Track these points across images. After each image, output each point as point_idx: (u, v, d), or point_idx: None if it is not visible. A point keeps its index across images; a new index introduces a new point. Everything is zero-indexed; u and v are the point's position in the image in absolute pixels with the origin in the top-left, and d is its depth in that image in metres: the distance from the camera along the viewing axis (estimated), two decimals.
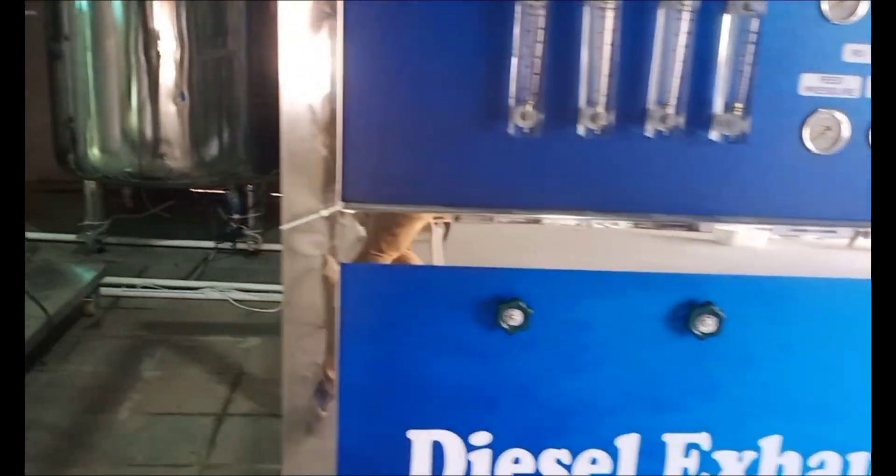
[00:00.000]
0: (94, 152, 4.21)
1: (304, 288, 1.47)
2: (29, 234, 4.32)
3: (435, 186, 1.49)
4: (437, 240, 1.46)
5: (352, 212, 1.44)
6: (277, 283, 3.96)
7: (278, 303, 3.88)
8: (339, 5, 1.36)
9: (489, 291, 1.50)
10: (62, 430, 2.71)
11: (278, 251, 4.07)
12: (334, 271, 1.48)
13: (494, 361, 1.53)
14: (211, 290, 3.92)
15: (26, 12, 4.00)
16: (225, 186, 4.44)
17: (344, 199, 1.46)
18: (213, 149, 4.24)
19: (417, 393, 1.56)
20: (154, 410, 2.88)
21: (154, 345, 3.39)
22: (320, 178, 1.41)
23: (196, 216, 4.78)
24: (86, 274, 3.57)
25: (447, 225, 1.51)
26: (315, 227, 1.43)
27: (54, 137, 4.32)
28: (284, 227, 1.42)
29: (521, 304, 1.49)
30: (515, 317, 1.48)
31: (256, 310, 3.78)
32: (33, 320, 3.04)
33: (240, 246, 4.48)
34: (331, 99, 1.39)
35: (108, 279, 3.71)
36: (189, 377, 3.16)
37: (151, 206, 4.85)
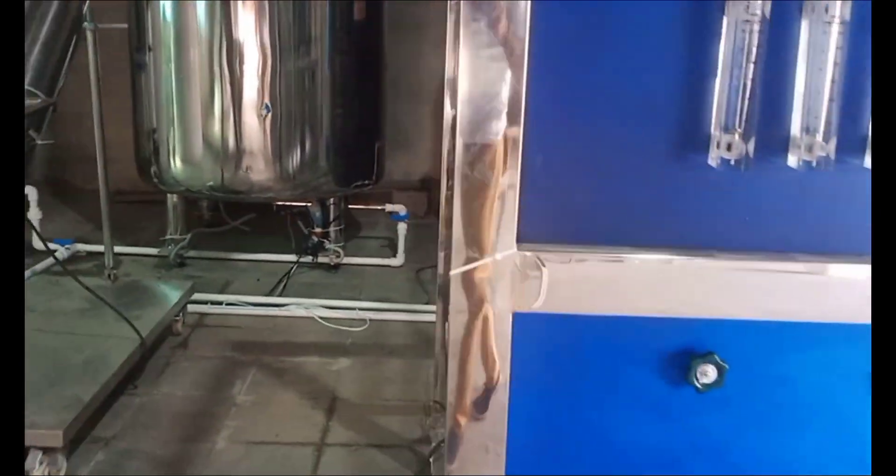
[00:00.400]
0: (177, 164, 4.14)
1: (472, 336, 1.33)
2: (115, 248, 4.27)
3: (620, 224, 1.34)
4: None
5: (528, 254, 1.30)
6: (360, 298, 3.82)
7: (364, 321, 3.81)
8: (524, 30, 1.22)
9: (678, 344, 1.35)
10: (161, 460, 2.61)
11: (358, 265, 3.93)
12: (505, 320, 1.34)
13: (681, 420, 1.37)
14: (296, 307, 3.82)
15: (116, 25, 3.98)
16: (307, 199, 4.34)
17: (520, 240, 1.32)
18: (295, 161, 4.14)
19: (593, 451, 1.41)
20: (251, 439, 2.77)
21: (244, 366, 3.29)
22: (496, 216, 1.27)
23: (276, 229, 4.70)
24: (173, 292, 3.49)
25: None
26: (487, 269, 1.29)
27: (136, 149, 4.26)
28: (456, 271, 1.28)
29: (716, 359, 1.33)
30: (709, 373, 1.32)
31: (343, 327, 3.67)
32: (126, 343, 2.95)
33: (320, 260, 4.38)
34: (512, 131, 1.25)
35: (193, 295, 3.63)
36: (283, 402, 3.05)
37: (228, 219, 4.78)
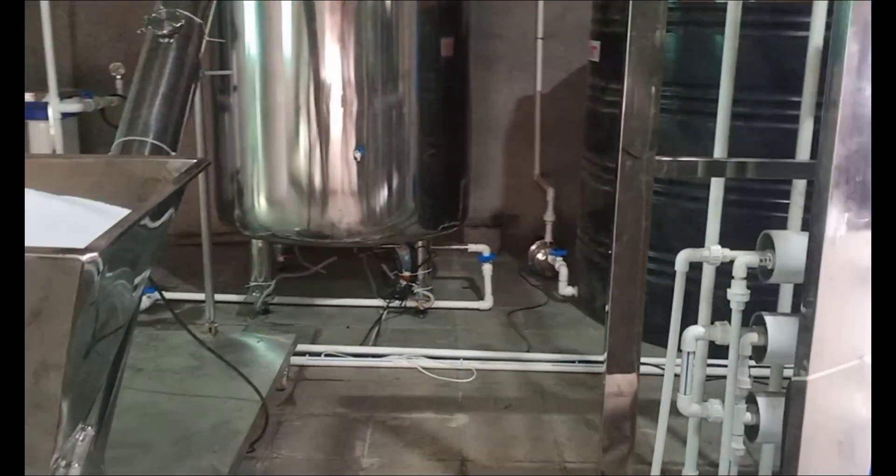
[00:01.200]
0: (262, 207, 3.98)
1: (819, 450, 1.15)
2: (192, 295, 4.10)
3: None
4: None
5: None
6: (458, 346, 3.63)
7: (470, 371, 3.64)
8: None
9: None
10: None
11: (446, 309, 3.74)
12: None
13: None
14: (398, 358, 3.64)
15: (222, 71, 3.85)
16: (392, 242, 4.18)
17: None
18: (384, 203, 3.98)
19: None
20: None
21: (359, 424, 3.11)
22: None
23: (355, 273, 4.53)
24: (278, 346, 3.31)
25: None
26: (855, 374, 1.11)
27: (218, 191, 4.10)
28: (814, 375, 1.11)
29: None
30: None
31: (450, 379, 3.49)
32: (249, 405, 2.78)
33: (408, 304, 4.21)
34: None
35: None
36: (411, 465, 2.86)
37: (306, 263, 4.61)
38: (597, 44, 4.01)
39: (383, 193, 3.98)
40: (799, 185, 2.40)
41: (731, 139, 2.41)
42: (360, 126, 3.88)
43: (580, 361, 3.64)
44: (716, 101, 2.38)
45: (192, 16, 2.76)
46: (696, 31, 3.53)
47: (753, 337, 2.13)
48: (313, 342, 3.80)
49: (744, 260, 2.24)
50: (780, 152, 2.59)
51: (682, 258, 2.37)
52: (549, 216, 5.01)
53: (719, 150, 2.41)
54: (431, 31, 4.00)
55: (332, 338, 3.86)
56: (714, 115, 2.41)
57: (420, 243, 4.22)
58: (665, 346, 2.43)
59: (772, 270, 2.16)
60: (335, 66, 3.84)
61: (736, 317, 2.25)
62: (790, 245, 2.12)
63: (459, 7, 4.18)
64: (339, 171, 3.91)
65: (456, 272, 4.87)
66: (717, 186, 2.44)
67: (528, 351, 3.80)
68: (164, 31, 2.70)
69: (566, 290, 4.39)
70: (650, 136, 2.03)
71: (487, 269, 4.38)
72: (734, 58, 2.35)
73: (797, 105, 2.36)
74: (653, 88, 2.02)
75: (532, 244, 4.93)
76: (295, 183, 3.92)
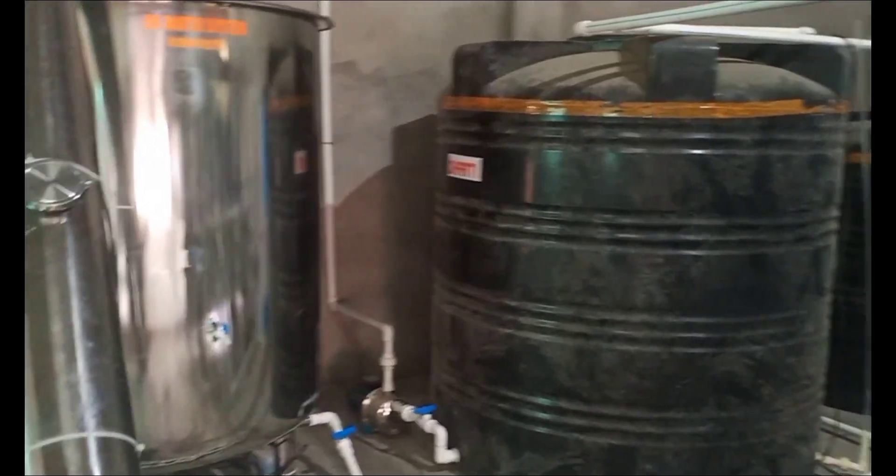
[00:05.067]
0: None
1: None
2: None
3: None
4: None
5: None
6: None
7: None
8: None
9: None
10: None
11: None
12: None
13: None
14: None
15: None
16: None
17: None
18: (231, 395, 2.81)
19: None
20: None
21: None
22: None
23: None
24: None
25: None
26: None
27: None
28: None
29: None
30: None
31: None
32: None
33: None
34: None
35: None
36: None
37: None
38: (475, 161, 3.31)
39: (231, 381, 2.80)
40: None
41: None
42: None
43: None
44: None
45: (87, 171, 1.71)
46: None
47: None
48: None
49: None
50: None
51: None
52: (389, 360, 4.03)
53: None
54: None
55: None
56: None
57: (281, 438, 3.09)
58: None
59: None
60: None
61: None
62: None
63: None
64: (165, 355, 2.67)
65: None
66: None
67: None
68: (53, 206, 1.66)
69: (446, 455, 3.52)
70: None
71: (346, 448, 3.40)
72: None
73: None
74: None
75: (359, 395, 3.98)
76: None
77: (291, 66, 2.91)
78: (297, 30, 2.93)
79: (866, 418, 3.42)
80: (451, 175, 3.43)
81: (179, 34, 2.58)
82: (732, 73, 2.94)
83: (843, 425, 3.68)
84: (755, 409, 3.10)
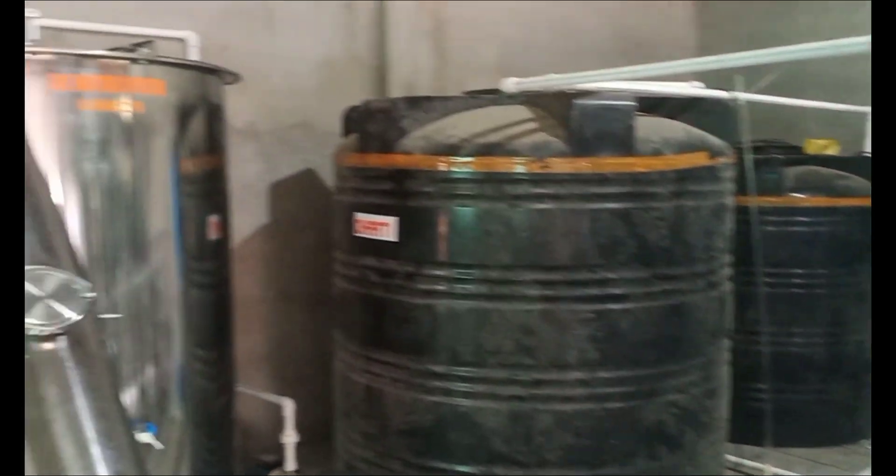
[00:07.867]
0: None
1: None
2: None
3: None
4: None
5: None
6: None
7: None
8: None
9: None
10: None
11: None
12: None
13: None
14: None
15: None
16: None
17: None
18: None
19: None
20: None
21: None
22: None
23: None
24: None
25: None
26: None
27: None
28: None
29: None
30: None
31: None
32: None
33: None
34: None
35: None
36: None
37: None
38: (389, 220, 3.16)
39: None
40: None
41: None
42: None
43: None
44: None
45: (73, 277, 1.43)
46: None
47: None
48: None
49: None
50: None
51: None
52: (291, 436, 3.69)
53: None
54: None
55: None
56: None
57: None
58: None
59: None
60: None
61: None
62: None
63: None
64: None
65: None
66: None
67: None
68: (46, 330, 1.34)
69: None
70: None
71: None
72: None
73: None
74: None
75: None
76: None
77: (202, 123, 2.65)
78: (204, 85, 2.68)
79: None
80: (359, 234, 3.24)
81: (78, 95, 2.29)
82: (644, 127, 3.00)
83: (745, 461, 3.81)
84: (680, 456, 3.13)
